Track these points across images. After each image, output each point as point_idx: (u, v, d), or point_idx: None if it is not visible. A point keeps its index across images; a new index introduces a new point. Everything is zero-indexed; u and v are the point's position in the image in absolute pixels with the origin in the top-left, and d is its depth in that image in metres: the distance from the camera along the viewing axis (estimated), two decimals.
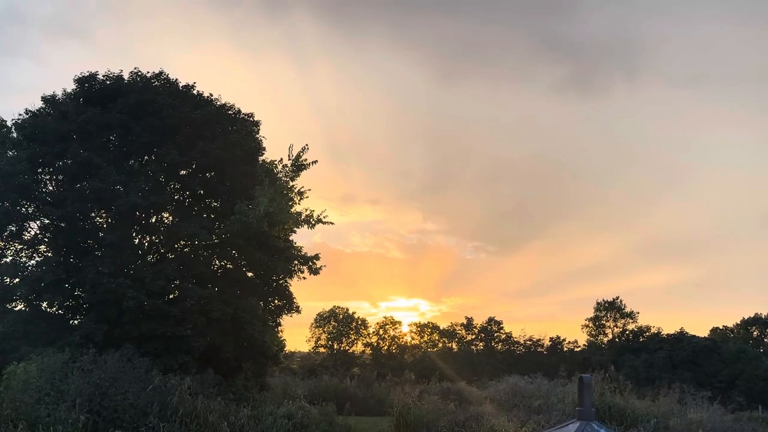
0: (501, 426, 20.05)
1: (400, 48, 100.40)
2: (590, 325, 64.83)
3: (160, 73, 27.55)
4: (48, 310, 24.70)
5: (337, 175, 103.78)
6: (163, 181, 26.66)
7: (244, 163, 26.94)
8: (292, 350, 64.66)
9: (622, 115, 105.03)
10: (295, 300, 28.59)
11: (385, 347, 62.25)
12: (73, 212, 24.40)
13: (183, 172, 27.09)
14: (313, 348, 62.23)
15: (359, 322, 62.76)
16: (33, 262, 25.24)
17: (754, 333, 67.33)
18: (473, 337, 65.19)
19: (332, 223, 27.16)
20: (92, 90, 26.65)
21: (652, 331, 61.29)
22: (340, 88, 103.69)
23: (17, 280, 24.22)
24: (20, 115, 26.13)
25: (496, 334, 65.08)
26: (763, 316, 66.60)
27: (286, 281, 28.21)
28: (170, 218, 26.92)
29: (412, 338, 64.52)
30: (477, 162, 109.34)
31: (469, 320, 65.33)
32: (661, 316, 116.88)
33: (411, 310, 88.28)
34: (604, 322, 64.38)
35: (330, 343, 61.59)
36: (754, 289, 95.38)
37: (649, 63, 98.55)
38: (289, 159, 26.48)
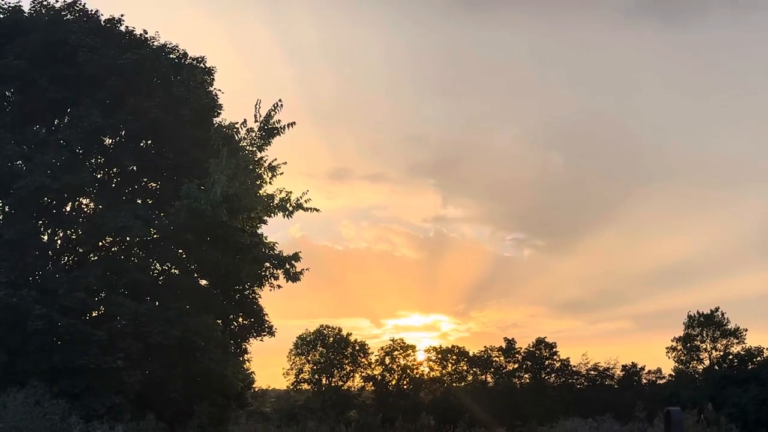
0: None
1: None
2: (679, 347, 64.81)
3: (74, 2, 27.46)
4: None
5: (323, 142, 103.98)
6: (81, 153, 26.63)
7: (193, 126, 26.91)
8: (265, 387, 65.06)
9: (724, 52, 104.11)
10: (266, 317, 28.62)
11: (393, 381, 62.45)
12: None
13: (108, 141, 27.03)
14: (293, 384, 62.53)
15: (357, 348, 62.96)
16: None
17: None
18: (516, 366, 65.35)
19: (317, 210, 27.19)
20: None
21: (765, 356, 61.25)
22: (325, 22, 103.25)
23: None
24: None
25: (547, 362, 65.22)
26: None
27: (253, 291, 28.23)
28: (91, 205, 26.90)
29: (431, 369, 64.77)
30: (517, 121, 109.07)
31: (510, 343, 65.45)
32: None
33: (428, 329, 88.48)
34: (699, 343, 64.34)
35: (316, 377, 61.84)
36: None
37: None
38: (256, 121, 26.40)
